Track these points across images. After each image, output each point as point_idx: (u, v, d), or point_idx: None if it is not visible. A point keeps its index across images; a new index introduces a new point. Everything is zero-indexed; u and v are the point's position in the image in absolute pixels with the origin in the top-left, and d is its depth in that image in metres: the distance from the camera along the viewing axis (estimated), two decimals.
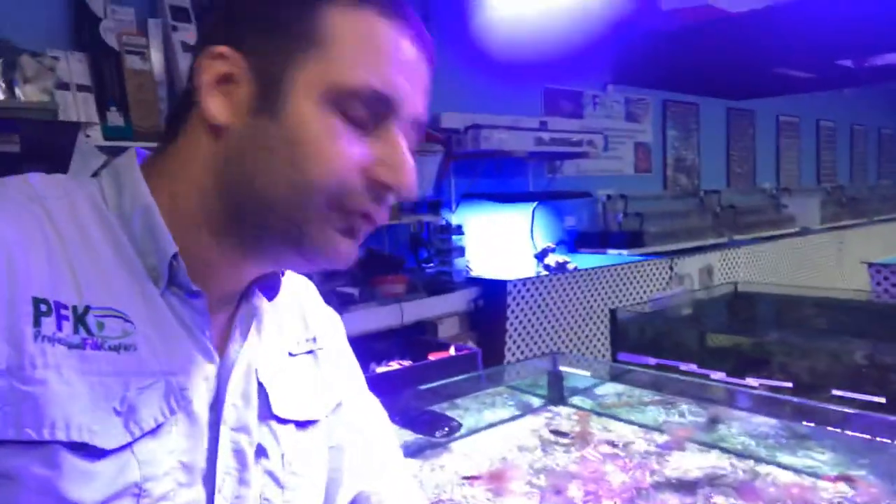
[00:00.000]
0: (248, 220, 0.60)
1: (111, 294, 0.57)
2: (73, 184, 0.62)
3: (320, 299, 0.84)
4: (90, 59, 2.50)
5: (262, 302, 0.69)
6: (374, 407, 0.88)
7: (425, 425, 1.38)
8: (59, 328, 0.54)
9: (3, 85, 2.27)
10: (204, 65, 0.60)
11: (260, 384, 0.66)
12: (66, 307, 0.54)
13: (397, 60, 0.59)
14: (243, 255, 0.63)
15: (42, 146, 2.17)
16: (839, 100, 7.12)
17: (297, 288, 0.81)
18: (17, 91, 2.28)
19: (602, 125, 4.65)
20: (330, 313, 0.84)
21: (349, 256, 0.62)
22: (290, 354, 0.73)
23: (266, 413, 0.66)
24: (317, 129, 0.58)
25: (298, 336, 0.75)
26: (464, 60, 3.73)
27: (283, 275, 0.71)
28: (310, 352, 0.76)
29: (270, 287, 0.70)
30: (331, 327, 0.83)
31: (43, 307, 0.53)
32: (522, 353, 3.24)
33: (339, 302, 2.86)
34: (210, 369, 0.62)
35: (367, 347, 2.62)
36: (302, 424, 0.71)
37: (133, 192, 0.61)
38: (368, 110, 0.59)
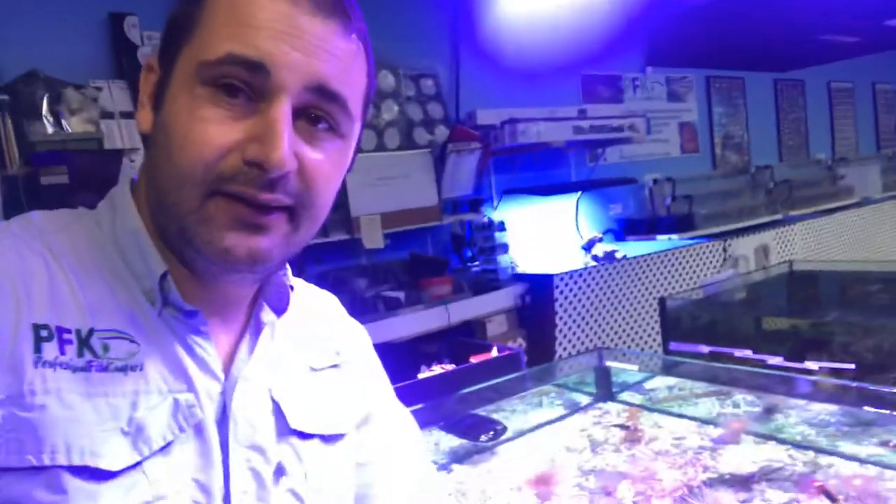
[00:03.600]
0: (164, 231, 0.61)
1: (114, 316, 0.59)
2: (71, 216, 0.64)
3: (344, 312, 0.84)
4: (131, 86, 2.58)
5: (271, 317, 0.69)
6: (404, 419, 0.86)
7: (470, 429, 1.37)
8: (62, 352, 0.55)
9: (51, 118, 2.36)
10: (141, 79, 0.62)
11: (274, 401, 0.66)
12: (69, 331, 0.56)
13: (268, 24, 0.56)
14: (190, 270, 0.62)
15: (89, 175, 2.25)
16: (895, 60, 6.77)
17: (319, 302, 0.80)
18: (64, 123, 2.37)
19: (644, 108, 4.54)
20: (354, 325, 0.84)
21: (251, 255, 0.58)
22: (313, 369, 0.73)
23: (284, 429, 0.66)
24: (182, 112, 0.56)
25: (321, 350, 0.75)
26: (495, 56, 3.70)
27: (292, 289, 0.71)
28: (334, 365, 0.75)
29: (279, 301, 0.69)
30: (355, 340, 0.82)
31: (44, 332, 0.55)
32: (574, 346, 3.19)
33: (386, 306, 2.88)
34: (214, 387, 0.62)
35: (415, 350, 2.63)
36: (328, 439, 0.70)
37: (124, 217, 0.63)
38: (239, 80, 0.56)
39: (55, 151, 2.22)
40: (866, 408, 1.31)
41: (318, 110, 0.59)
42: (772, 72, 5.68)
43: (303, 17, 0.57)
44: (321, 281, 2.87)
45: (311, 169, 0.59)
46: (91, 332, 0.57)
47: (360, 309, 2.80)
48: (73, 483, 0.53)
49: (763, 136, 5.77)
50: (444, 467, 1.30)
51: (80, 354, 0.56)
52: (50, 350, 0.54)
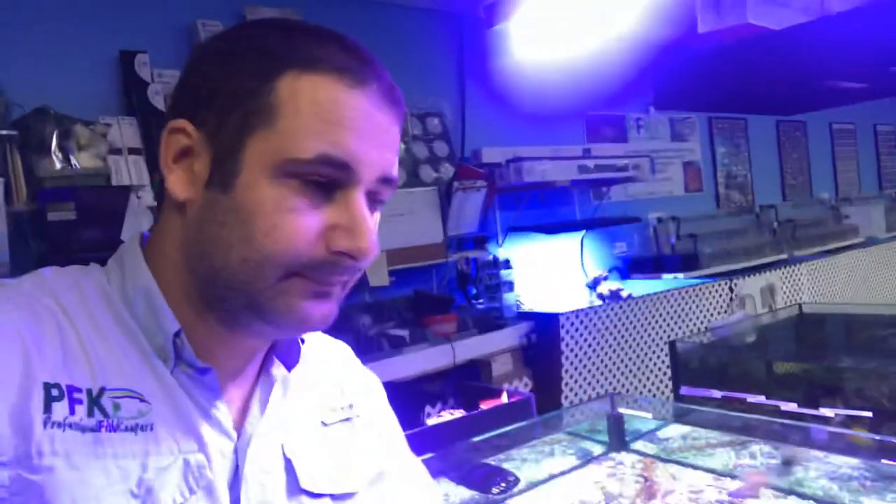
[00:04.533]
0: (213, 296, 0.60)
1: (125, 375, 0.58)
2: (81, 273, 0.63)
3: (358, 363, 0.82)
4: (140, 123, 2.58)
5: (282, 371, 0.68)
6: (419, 474, 0.84)
7: (481, 481, 1.33)
8: (72, 412, 0.54)
9: (60, 154, 2.36)
10: (165, 139, 0.60)
11: (286, 458, 0.65)
12: (79, 390, 0.55)
13: (352, 123, 0.57)
14: (227, 329, 0.62)
15: (96, 211, 2.24)
16: None
17: (331, 353, 0.79)
18: (73, 159, 2.37)
19: (648, 147, 4.56)
20: (367, 376, 0.82)
21: (323, 319, 0.62)
22: (324, 424, 0.71)
23: (295, 488, 0.65)
24: (268, 202, 0.57)
25: (333, 404, 0.73)
26: (501, 95, 3.73)
27: (303, 342, 0.69)
28: (346, 419, 0.74)
29: (290, 356, 0.68)
30: (369, 392, 0.80)
31: (54, 392, 0.54)
32: (581, 387, 3.15)
33: (390, 345, 2.85)
34: (227, 445, 0.61)
35: (419, 390, 2.59)
36: (339, 497, 0.69)
37: (134, 274, 0.62)
38: (325, 178, 0.57)
39: (63, 188, 2.21)
40: (890, 461, 1.28)
41: (378, 194, 0.62)
42: (774, 115, 5.73)
43: (378, 114, 0.59)
44: None
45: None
46: (102, 390, 0.56)
47: (365, 347, 2.76)
48: None
49: (766, 175, 5.80)
50: None
51: (91, 414, 0.55)
52: (60, 410, 0.53)
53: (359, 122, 0.58)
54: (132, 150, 2.55)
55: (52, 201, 2.17)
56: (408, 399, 2.44)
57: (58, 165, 2.30)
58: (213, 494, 0.58)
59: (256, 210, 0.57)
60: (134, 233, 0.66)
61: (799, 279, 4.18)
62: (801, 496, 1.26)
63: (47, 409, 0.53)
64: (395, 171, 0.62)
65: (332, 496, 0.68)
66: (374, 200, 0.62)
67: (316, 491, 0.66)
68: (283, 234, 0.57)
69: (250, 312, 0.59)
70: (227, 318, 0.61)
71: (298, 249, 0.57)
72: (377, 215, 0.64)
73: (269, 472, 0.63)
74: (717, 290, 3.69)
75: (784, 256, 4.63)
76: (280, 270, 0.57)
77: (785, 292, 4.04)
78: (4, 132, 2.20)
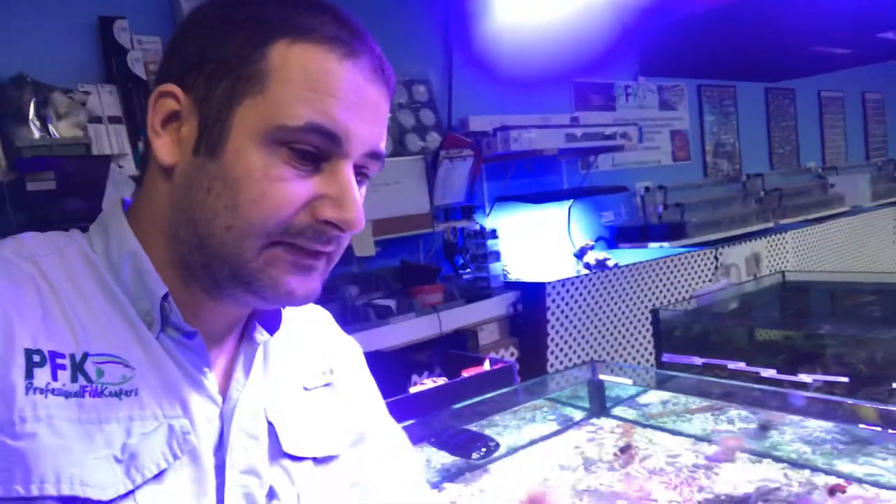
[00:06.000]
0: (197, 263, 0.60)
1: (108, 340, 0.58)
2: (63, 239, 0.63)
3: (338, 329, 0.83)
4: (120, 91, 2.54)
5: (265, 337, 0.68)
6: (398, 438, 0.85)
7: (461, 446, 1.35)
8: (55, 377, 0.54)
9: (38, 123, 2.32)
10: (153, 103, 0.60)
11: (269, 423, 0.65)
12: (62, 356, 0.55)
13: (343, 94, 0.57)
14: (211, 297, 0.62)
15: (76, 181, 2.22)
16: (885, 70, 6.82)
17: (313, 319, 0.79)
18: (52, 128, 2.34)
19: (636, 116, 4.54)
20: (348, 342, 0.83)
21: (307, 295, 0.61)
22: (306, 389, 0.72)
23: (277, 452, 0.65)
24: (256, 169, 0.57)
25: (314, 369, 0.74)
26: (488, 63, 3.69)
27: (283, 308, 0.69)
28: (327, 384, 0.74)
29: (271, 321, 0.68)
30: (348, 357, 0.81)
31: (36, 358, 0.53)
32: (566, 355, 3.18)
33: (377, 315, 2.85)
34: (212, 411, 0.61)
35: (406, 359, 2.61)
36: (320, 461, 0.70)
37: (119, 239, 0.62)
38: (314, 147, 0.57)
39: (42, 157, 2.18)
40: (862, 426, 1.30)
41: (365, 168, 0.62)
42: (763, 81, 5.71)
43: (368, 87, 0.59)
44: None
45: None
46: (85, 356, 0.56)
47: (351, 317, 2.77)
48: None
49: (754, 144, 5.80)
50: (435, 486, 1.28)
51: (74, 380, 0.55)
52: (42, 376, 0.53)
53: (349, 94, 0.57)
54: (112, 119, 2.51)
55: (31, 171, 2.14)
56: (395, 368, 2.45)
57: (36, 134, 2.27)
58: (197, 460, 0.59)
59: (244, 177, 0.56)
60: (116, 202, 0.66)
61: (784, 248, 4.21)
62: (776, 459, 1.29)
63: (29, 374, 0.53)
64: (382, 146, 0.62)
65: (315, 459, 0.68)
66: (360, 174, 0.62)
67: (298, 454, 0.67)
68: (270, 202, 0.56)
69: (234, 282, 0.59)
70: (211, 286, 0.61)
71: (283, 217, 0.57)
72: (364, 189, 0.64)
73: (253, 436, 0.63)
74: (702, 259, 3.71)
75: (770, 225, 4.66)
76: (264, 239, 0.57)
77: (770, 261, 4.07)
78: None
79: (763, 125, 5.96)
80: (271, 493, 0.63)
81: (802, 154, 6.34)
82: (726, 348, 2.22)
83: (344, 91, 0.57)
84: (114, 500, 0.53)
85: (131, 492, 0.54)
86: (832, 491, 1.11)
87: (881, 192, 5.86)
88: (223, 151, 0.57)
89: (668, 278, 3.57)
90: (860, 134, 7.25)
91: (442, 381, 1.92)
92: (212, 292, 0.61)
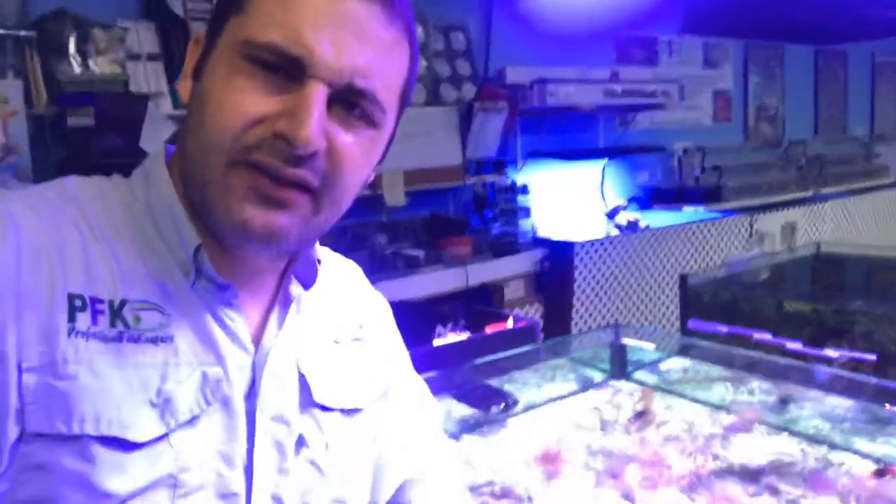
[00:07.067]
0: (196, 200, 0.60)
1: (146, 288, 0.59)
2: (107, 184, 0.64)
3: (367, 284, 0.84)
4: (158, 28, 2.54)
5: (299, 290, 0.69)
6: (420, 393, 0.87)
7: (481, 400, 1.37)
8: (95, 322, 0.55)
9: (79, 59, 2.34)
10: (189, 52, 0.62)
11: (300, 373, 0.67)
12: (101, 301, 0.56)
13: (314, 12, 0.55)
14: (220, 243, 0.62)
15: (115, 118, 2.24)
16: None
17: (344, 274, 0.80)
18: (91, 63, 2.35)
19: (678, 73, 4.40)
20: (377, 298, 0.84)
21: (266, 226, 0.57)
22: (336, 342, 0.73)
23: (308, 401, 0.67)
24: (220, 86, 0.57)
25: (344, 324, 0.75)
26: (529, 12, 3.59)
27: (319, 262, 0.70)
28: (356, 339, 0.75)
29: (307, 274, 0.69)
30: (377, 313, 0.82)
31: (78, 303, 0.55)
32: (592, 315, 3.19)
33: (405, 264, 2.88)
34: (245, 359, 0.63)
35: (432, 311, 2.64)
36: (348, 412, 0.71)
37: (159, 188, 0.63)
38: (278, 64, 0.56)
39: (83, 93, 2.20)
40: (886, 405, 1.29)
41: (353, 105, 0.59)
42: (813, 44, 5.47)
43: (350, 2, 0.56)
44: (340, 235, 2.87)
45: (340, 152, 0.58)
46: (123, 302, 0.57)
47: (379, 266, 2.80)
48: (101, 452, 0.54)
49: (799, 108, 5.60)
50: (453, 436, 1.31)
51: (113, 325, 0.56)
52: (83, 320, 0.55)
53: (320, 12, 0.55)
54: (151, 57, 2.51)
55: (72, 106, 2.17)
56: (420, 319, 2.49)
57: (77, 70, 2.29)
58: (229, 406, 0.60)
59: (210, 91, 0.57)
60: (152, 141, 0.67)
61: (821, 218, 4.11)
62: (794, 433, 1.29)
63: (71, 318, 0.54)
64: (363, 80, 0.57)
65: (343, 410, 0.70)
66: (347, 104, 0.58)
67: (327, 405, 0.68)
68: (226, 113, 0.55)
69: (205, 213, 0.59)
70: (207, 226, 0.60)
71: (237, 127, 0.55)
72: (363, 135, 0.59)
73: (284, 385, 0.64)
74: (736, 226, 3.65)
75: (809, 194, 4.54)
76: (223, 156, 0.56)
77: (806, 231, 3.99)
78: (23, 33, 2.18)
79: (810, 89, 5.74)
80: (300, 441, 0.65)
81: (850, 121, 6.12)
82: (753, 318, 2.20)
83: (315, 5, 0.55)
84: (149, 441, 0.56)
85: (165, 435, 0.56)
86: (881, 473, 1.10)
87: None
88: (203, 76, 0.59)
89: (700, 244, 3.53)
90: None
91: (465, 335, 1.94)
92: (213, 234, 0.61)
